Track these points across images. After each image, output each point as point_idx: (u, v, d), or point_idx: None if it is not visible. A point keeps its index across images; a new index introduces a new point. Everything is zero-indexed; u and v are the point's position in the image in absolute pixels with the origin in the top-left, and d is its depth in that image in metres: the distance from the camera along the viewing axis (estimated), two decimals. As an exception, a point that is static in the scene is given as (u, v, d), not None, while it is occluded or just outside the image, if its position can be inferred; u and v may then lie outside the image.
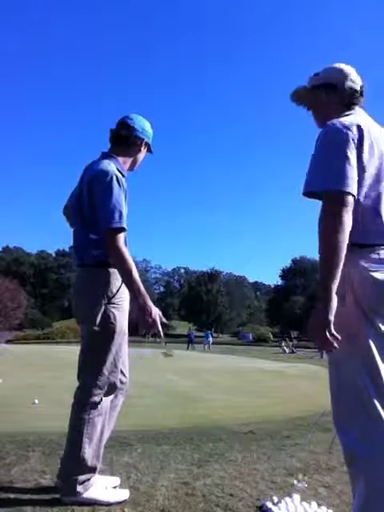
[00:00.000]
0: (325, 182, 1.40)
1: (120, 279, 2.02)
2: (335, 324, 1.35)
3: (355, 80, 1.61)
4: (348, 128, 1.44)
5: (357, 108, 1.62)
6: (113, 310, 2.02)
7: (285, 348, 29.17)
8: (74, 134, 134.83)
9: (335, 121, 1.49)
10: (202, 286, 71.68)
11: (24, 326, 53.38)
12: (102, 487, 2.02)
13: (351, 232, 1.37)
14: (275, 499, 2.02)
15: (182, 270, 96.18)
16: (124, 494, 2.04)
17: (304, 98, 1.71)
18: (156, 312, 1.95)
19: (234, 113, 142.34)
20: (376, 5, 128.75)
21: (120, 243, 1.95)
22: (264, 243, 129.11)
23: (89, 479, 1.97)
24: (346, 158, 1.39)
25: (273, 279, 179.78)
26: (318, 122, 1.69)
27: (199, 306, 68.75)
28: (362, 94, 1.62)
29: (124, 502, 1.99)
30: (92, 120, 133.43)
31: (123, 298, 2.07)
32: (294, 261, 76.25)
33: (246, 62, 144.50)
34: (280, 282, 77.59)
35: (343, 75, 1.61)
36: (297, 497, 2.05)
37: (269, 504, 1.98)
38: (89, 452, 1.97)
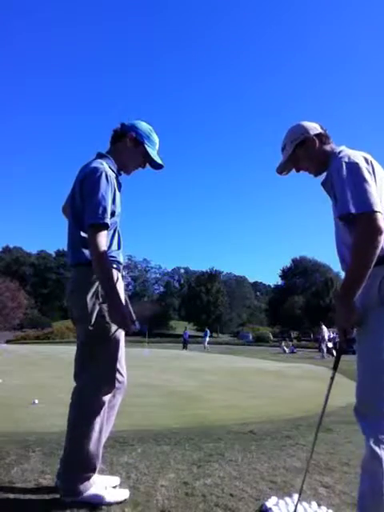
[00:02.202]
0: (362, 205, 1.54)
1: (114, 278, 2.02)
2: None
3: (314, 126, 1.90)
4: (362, 158, 1.66)
5: (333, 145, 1.86)
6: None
7: (285, 348, 29.08)
8: (74, 134, 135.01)
9: (346, 153, 1.69)
10: (202, 285, 71.53)
11: (24, 326, 53.35)
12: (101, 487, 2.01)
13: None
14: (275, 499, 2.02)
15: (182, 270, 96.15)
16: (124, 494, 2.04)
17: (290, 165, 1.96)
18: (125, 311, 1.95)
19: (234, 116, 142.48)
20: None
21: (98, 239, 1.93)
22: (264, 243, 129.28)
23: (89, 479, 1.97)
24: (369, 182, 1.57)
25: (273, 279, 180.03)
26: (315, 167, 1.89)
27: (199, 306, 68.58)
28: (326, 131, 1.89)
29: (124, 501, 1.99)
30: (92, 121, 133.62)
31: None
32: (294, 261, 76.16)
33: (247, 65, 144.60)
34: (280, 281, 77.46)
35: (306, 127, 1.89)
36: (297, 497, 2.04)
37: (269, 504, 1.97)
38: (88, 452, 1.97)
